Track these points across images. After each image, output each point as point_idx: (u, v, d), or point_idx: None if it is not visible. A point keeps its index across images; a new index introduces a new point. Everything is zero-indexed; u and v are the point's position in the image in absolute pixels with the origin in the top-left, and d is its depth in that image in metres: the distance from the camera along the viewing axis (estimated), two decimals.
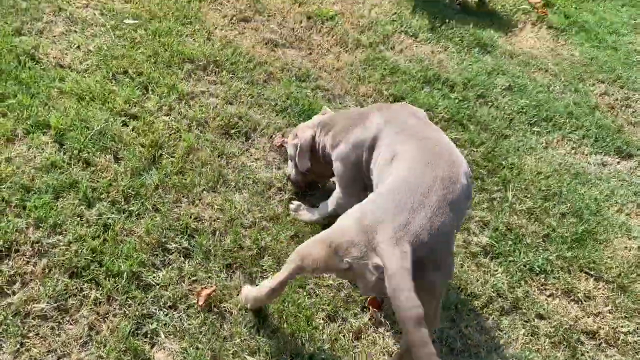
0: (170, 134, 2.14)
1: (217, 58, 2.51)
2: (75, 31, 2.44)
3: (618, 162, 2.78)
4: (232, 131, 2.26)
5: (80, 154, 1.95)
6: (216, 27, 2.70)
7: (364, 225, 1.50)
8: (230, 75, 2.47)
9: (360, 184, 1.94)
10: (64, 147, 1.95)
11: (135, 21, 2.56)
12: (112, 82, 2.27)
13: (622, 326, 2.01)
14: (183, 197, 1.94)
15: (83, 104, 2.13)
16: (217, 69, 2.49)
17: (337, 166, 1.95)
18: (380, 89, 2.63)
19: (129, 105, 2.19)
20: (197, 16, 2.71)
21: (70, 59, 2.32)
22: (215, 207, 1.95)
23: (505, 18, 3.46)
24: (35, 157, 1.89)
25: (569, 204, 2.42)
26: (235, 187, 2.04)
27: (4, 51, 2.21)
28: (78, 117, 2.06)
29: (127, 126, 2.12)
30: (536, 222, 2.30)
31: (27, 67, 2.20)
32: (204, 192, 1.99)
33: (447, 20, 3.22)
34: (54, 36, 2.40)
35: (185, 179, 1.99)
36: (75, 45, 2.38)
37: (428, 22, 3.14)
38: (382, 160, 1.76)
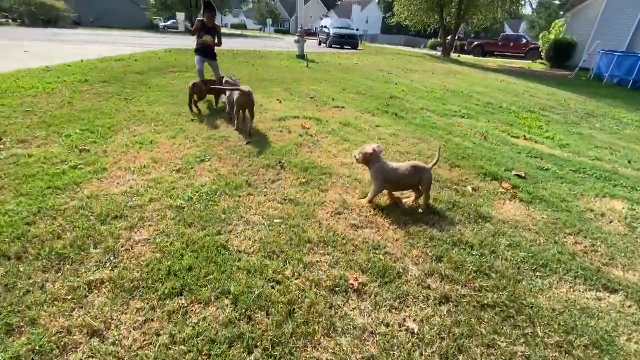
0: (300, 293, 1.83)
1: (326, 239, 2.29)
2: (248, 229, 2.35)
3: (609, 296, 2.05)
4: (337, 289, 1.90)
5: (247, 312, 1.66)
6: (323, 220, 2.51)
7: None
8: (332, 249, 2.21)
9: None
10: (237, 307, 1.69)
11: (280, 220, 2.47)
12: (266, 259, 2.08)
13: None
14: (309, 343, 1.54)
15: (250, 275, 1.91)
16: (325, 246, 2.24)
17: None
18: (426, 252, 2.23)
19: (275, 274, 1.95)
20: (313, 214, 2.56)
21: (244, 246, 2.19)
22: (330, 350, 1.52)
23: (491, 199, 3.03)
24: (219, 316, 1.62)
25: (586, 337, 1.73)
26: (341, 332, 1.63)
27: (210, 244, 2.14)
28: (246, 285, 1.83)
29: (274, 289, 1.84)
30: (567, 354, 1.62)
31: (221, 253, 2.08)
32: (322, 337, 1.58)
33: (456, 202, 2.86)
34: (237, 233, 2.31)
35: (309, 329, 1.61)
36: (248, 238, 2.26)
37: (445, 205, 2.80)
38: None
